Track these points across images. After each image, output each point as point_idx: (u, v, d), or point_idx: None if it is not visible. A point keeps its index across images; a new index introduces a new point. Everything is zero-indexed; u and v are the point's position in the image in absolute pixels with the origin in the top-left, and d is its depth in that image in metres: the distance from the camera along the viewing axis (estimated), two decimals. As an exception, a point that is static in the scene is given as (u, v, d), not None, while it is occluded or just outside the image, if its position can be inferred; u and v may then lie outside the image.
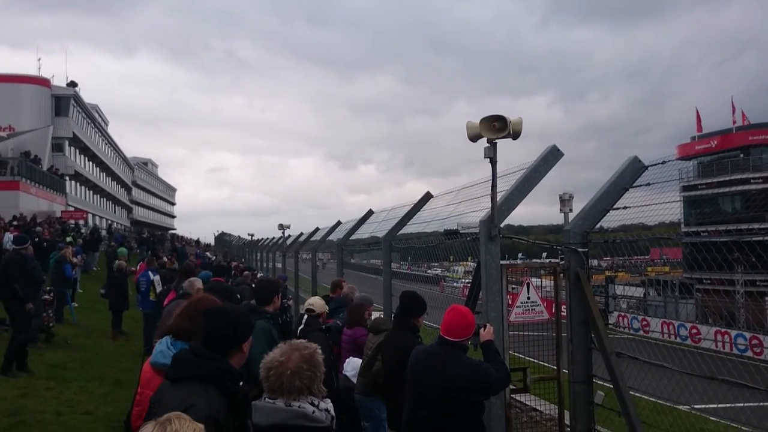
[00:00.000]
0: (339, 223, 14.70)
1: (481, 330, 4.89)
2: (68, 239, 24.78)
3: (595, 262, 6.00)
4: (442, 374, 4.58)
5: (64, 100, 51.61)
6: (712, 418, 9.89)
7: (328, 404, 2.67)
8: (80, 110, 55.86)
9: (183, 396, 2.80)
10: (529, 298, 5.92)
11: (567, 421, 5.60)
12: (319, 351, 2.74)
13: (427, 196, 8.94)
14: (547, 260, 6.69)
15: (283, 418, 2.61)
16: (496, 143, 5.45)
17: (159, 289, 13.26)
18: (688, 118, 46.19)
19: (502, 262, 5.74)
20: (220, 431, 2.72)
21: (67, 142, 52.50)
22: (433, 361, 4.72)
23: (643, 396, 5.62)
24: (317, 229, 17.16)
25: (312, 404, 2.60)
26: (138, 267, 18.48)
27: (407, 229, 9.50)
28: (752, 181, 40.56)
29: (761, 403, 5.85)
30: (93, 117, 61.59)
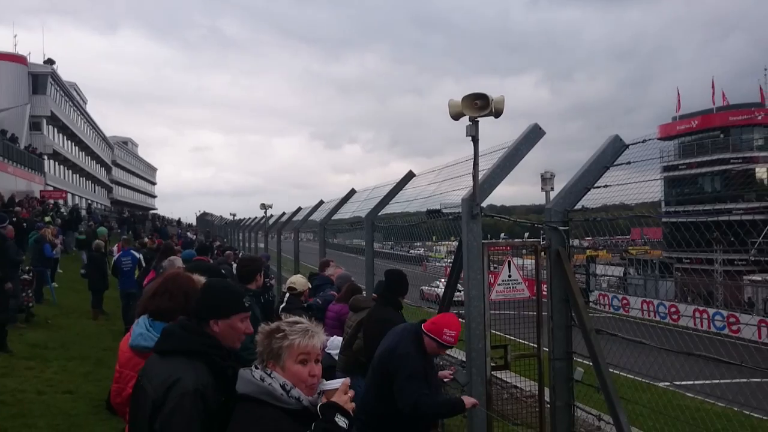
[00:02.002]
0: (321, 202, 14.65)
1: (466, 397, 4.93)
2: (47, 219, 24.49)
3: (576, 243, 6.04)
4: (382, 345, 4.70)
5: (42, 78, 50.81)
6: (688, 394, 10.09)
7: (301, 393, 2.66)
8: (58, 88, 55.01)
9: (170, 369, 2.79)
10: (510, 276, 5.95)
11: (547, 398, 5.67)
12: (275, 336, 2.71)
13: (410, 175, 8.93)
14: (529, 239, 6.72)
15: (252, 390, 2.63)
16: (478, 121, 5.43)
17: (145, 268, 13.18)
18: (674, 98, 46.35)
19: (484, 241, 5.75)
20: (207, 406, 2.72)
21: (44, 121, 51.77)
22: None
23: (621, 373, 5.69)
24: (299, 209, 17.10)
25: (283, 387, 2.61)
26: (116, 247, 18.35)
27: (390, 208, 9.49)
28: (732, 161, 40.97)
29: (735, 380, 5.97)
30: (71, 95, 60.71)
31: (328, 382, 2.79)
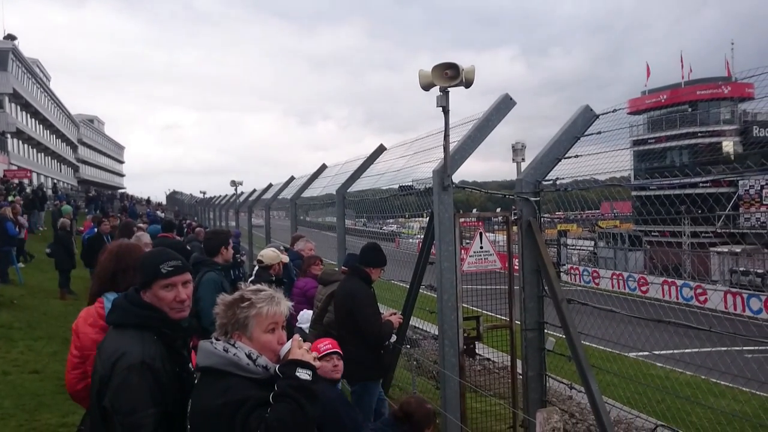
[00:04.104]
0: (292, 178, 14.51)
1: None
2: (10, 198, 23.99)
3: (548, 216, 6.03)
4: None
5: (2, 54, 49.29)
6: (657, 363, 10.26)
7: (268, 362, 2.59)
8: (20, 65, 53.57)
9: (116, 343, 2.75)
10: (482, 247, 5.93)
11: (519, 370, 5.69)
12: (240, 305, 2.64)
13: (381, 149, 8.85)
14: (499, 210, 6.70)
15: (216, 362, 2.57)
16: (448, 92, 5.38)
17: (107, 246, 12.99)
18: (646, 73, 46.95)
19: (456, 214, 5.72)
20: (156, 377, 2.67)
21: (6, 99, 50.38)
22: None
23: (591, 344, 5.73)
24: (270, 185, 16.95)
25: (249, 356, 2.56)
26: (84, 225, 18.07)
27: (361, 183, 9.40)
28: (699, 134, 41.51)
29: (701, 349, 6.06)
30: (34, 72, 59.20)
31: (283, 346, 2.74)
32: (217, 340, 2.62)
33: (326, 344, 4.61)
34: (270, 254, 6.55)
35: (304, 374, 2.54)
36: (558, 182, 5.38)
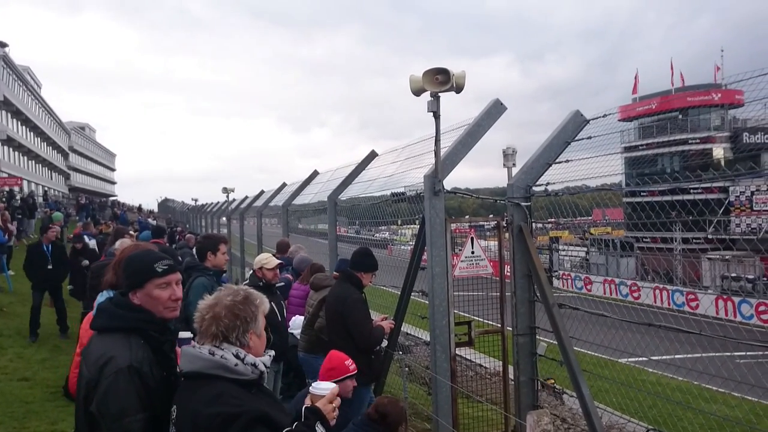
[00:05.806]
0: (284, 185, 14.50)
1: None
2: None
3: (540, 226, 6.04)
4: None
5: (-7, 61, 49.22)
6: (648, 369, 10.28)
7: (256, 359, 2.58)
8: (11, 72, 53.36)
9: (103, 348, 2.70)
10: (473, 252, 5.93)
11: (511, 375, 5.68)
12: (254, 302, 2.64)
13: (372, 155, 8.87)
14: (491, 217, 6.70)
15: (203, 366, 2.53)
16: (439, 97, 5.38)
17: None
18: (641, 79, 47.30)
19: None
20: (144, 381, 2.63)
21: (-3, 106, 50.25)
22: None
23: (582, 350, 5.74)
24: (262, 192, 16.92)
25: (237, 356, 2.53)
26: (74, 233, 17.97)
27: (352, 189, 9.40)
28: (690, 141, 41.75)
29: (692, 354, 6.07)
30: (24, 79, 58.99)
31: (319, 385, 2.80)
32: (203, 343, 2.59)
33: (353, 366, 4.74)
34: (256, 259, 6.51)
35: (320, 429, 2.60)
36: (549, 187, 5.40)
